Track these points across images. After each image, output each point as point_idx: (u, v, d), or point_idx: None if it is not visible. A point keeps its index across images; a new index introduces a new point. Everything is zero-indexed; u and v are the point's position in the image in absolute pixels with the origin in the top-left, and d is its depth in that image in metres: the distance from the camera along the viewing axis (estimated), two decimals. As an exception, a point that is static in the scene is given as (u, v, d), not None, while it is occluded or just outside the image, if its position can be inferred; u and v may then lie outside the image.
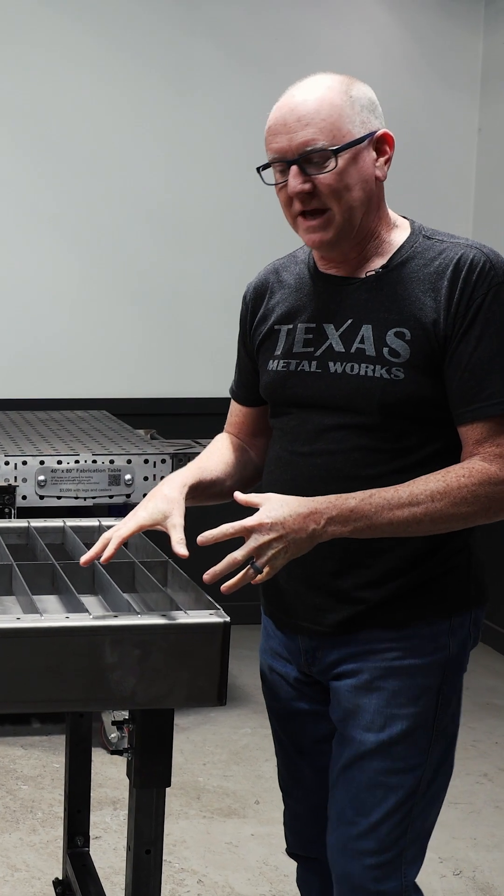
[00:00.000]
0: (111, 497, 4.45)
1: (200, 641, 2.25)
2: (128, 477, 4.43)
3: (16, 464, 4.37)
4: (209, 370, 5.84)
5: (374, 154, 2.26)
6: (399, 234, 2.32)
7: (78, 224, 5.85)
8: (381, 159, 2.28)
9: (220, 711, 4.89)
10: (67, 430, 5.05)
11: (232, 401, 2.66)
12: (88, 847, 3.33)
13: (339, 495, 2.18)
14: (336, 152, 2.20)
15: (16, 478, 4.37)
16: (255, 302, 2.51)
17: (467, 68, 6.18)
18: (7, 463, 4.37)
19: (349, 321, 2.31)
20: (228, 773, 4.49)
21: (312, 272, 2.40)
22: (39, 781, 4.36)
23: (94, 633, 2.19)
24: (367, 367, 2.25)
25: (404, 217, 2.38)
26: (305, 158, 2.21)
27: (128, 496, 4.42)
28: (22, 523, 2.99)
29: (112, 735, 4.44)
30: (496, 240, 6.05)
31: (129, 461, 4.45)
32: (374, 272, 2.29)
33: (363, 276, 2.31)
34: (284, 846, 3.90)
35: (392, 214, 2.35)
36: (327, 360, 2.31)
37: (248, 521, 2.20)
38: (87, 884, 3.19)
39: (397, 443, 2.25)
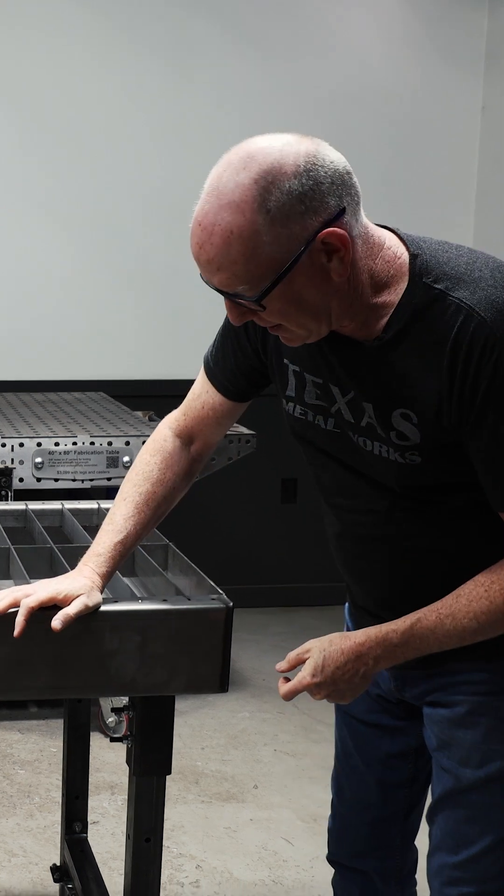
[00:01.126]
0: (109, 479, 4.41)
1: (202, 627, 2.21)
2: (126, 459, 4.38)
3: (12, 445, 4.32)
4: (206, 351, 5.78)
5: (322, 259, 1.87)
6: (396, 289, 1.96)
7: (74, 205, 5.80)
8: (336, 260, 1.88)
9: (219, 695, 4.87)
10: (65, 411, 5.01)
11: (204, 380, 2.35)
12: (86, 833, 3.31)
13: (380, 630, 2.10)
14: (259, 299, 1.88)
15: (12, 460, 4.32)
16: None
17: (471, 46, 6.12)
18: (3, 445, 4.33)
19: (351, 393, 2.05)
20: (227, 758, 4.47)
21: None
22: (37, 766, 4.33)
23: (94, 619, 2.14)
24: (380, 446, 2.03)
25: (407, 244, 1.99)
26: (233, 294, 1.91)
27: (126, 478, 4.38)
28: (19, 506, 2.95)
29: (109, 720, 4.41)
30: (498, 220, 6.04)
31: (127, 443, 4.41)
32: (372, 343, 1.99)
33: (364, 343, 2.00)
34: (283, 830, 3.93)
35: (390, 260, 1.97)
36: (342, 425, 2.10)
37: (298, 685, 2.20)
38: (84, 870, 3.16)
39: (429, 505, 2.11)
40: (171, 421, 2.38)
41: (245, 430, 4.47)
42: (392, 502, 2.10)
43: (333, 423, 2.11)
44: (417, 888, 2.55)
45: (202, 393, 2.34)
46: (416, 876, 2.52)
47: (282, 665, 2.22)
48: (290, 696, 2.22)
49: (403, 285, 1.95)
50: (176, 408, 2.41)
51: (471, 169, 6.16)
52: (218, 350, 2.33)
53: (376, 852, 2.49)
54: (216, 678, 2.23)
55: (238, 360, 2.27)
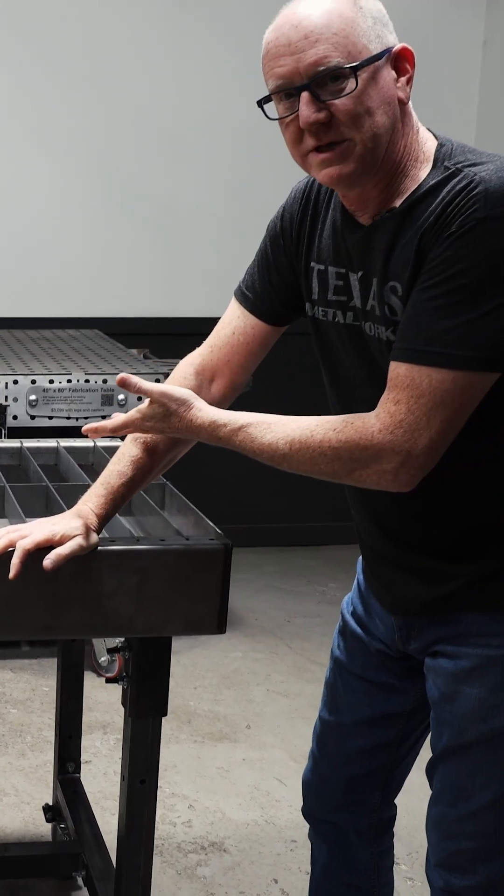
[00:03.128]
0: (104, 417, 4.36)
1: (200, 567, 2.18)
2: (121, 397, 4.34)
3: (6, 383, 4.27)
4: (203, 289, 5.74)
5: (393, 73, 1.95)
6: (418, 173, 1.99)
7: (65, 136, 5.70)
8: (403, 79, 1.96)
9: (212, 635, 4.85)
10: (59, 348, 4.95)
11: (235, 308, 2.31)
12: (79, 773, 3.30)
13: (219, 414, 2.07)
14: (355, 70, 1.89)
15: (6, 397, 4.28)
16: (302, 213, 2.22)
17: (473, -22, 6.00)
18: (-3, 381, 4.28)
19: (360, 272, 2.05)
20: (219, 698, 4.45)
21: (342, 212, 2.11)
22: (29, 705, 4.32)
23: (91, 559, 2.11)
24: (378, 328, 2.03)
25: (437, 137, 2.04)
26: (318, 82, 1.90)
27: (121, 417, 4.33)
28: (14, 443, 2.91)
29: (102, 659, 4.40)
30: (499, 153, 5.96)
31: (122, 381, 4.36)
32: (380, 216, 2.00)
33: (373, 220, 2.02)
34: (276, 770, 3.92)
35: (422, 141, 2.02)
36: (358, 315, 2.09)
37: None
38: (77, 810, 3.16)
39: None
40: (194, 357, 2.33)
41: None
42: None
43: (352, 317, 2.09)
44: (420, 839, 2.53)
45: (233, 319, 2.30)
46: (420, 828, 2.50)
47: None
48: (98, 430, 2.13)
49: (427, 169, 1.98)
50: (171, 346, 2.38)
51: (471, 104, 6.06)
52: (251, 276, 2.30)
53: (353, 807, 2.46)
54: (214, 619, 2.21)
55: (273, 278, 2.26)
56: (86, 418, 4.33)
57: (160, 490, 2.61)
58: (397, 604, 2.24)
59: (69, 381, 4.32)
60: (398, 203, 1.98)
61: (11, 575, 2.04)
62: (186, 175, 5.77)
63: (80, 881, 3.11)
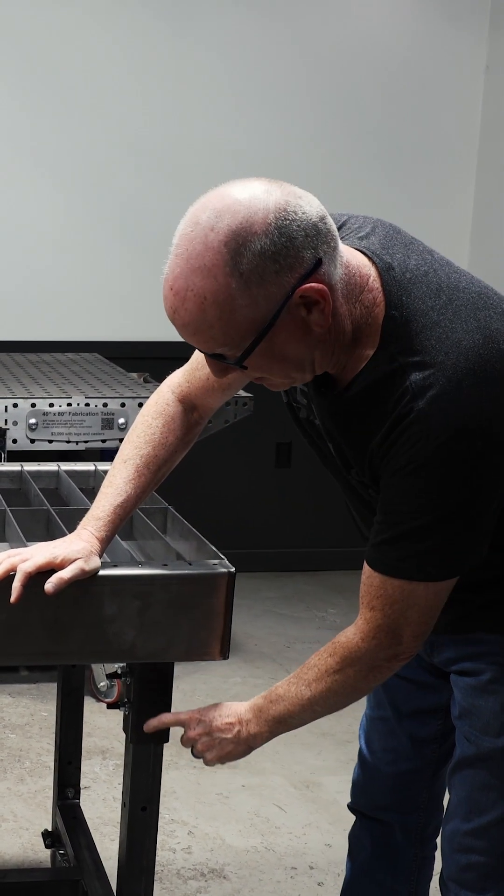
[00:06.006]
0: (104, 441, 4.35)
1: (203, 592, 2.16)
2: (121, 421, 4.33)
3: (6, 406, 4.26)
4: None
5: (302, 313, 1.81)
6: (369, 344, 1.90)
7: (65, 161, 5.70)
8: (316, 312, 1.82)
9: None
10: (59, 372, 4.95)
11: None
12: (79, 799, 3.27)
13: (255, 699, 2.21)
14: (241, 361, 1.84)
15: (6, 421, 4.26)
16: None
17: (475, 2, 5.99)
18: (-3, 405, 4.27)
19: (322, 426, 2.07)
20: (219, 724, 4.42)
21: None
22: (27, 730, 4.29)
23: (93, 583, 2.09)
24: (358, 476, 2.05)
25: (386, 295, 1.89)
26: (213, 356, 1.88)
27: (121, 440, 4.30)
28: (15, 467, 2.90)
29: (101, 684, 4.38)
30: (501, 181, 5.96)
31: (122, 404, 4.35)
32: (332, 396, 1.98)
33: (330, 391, 1.99)
34: (275, 797, 3.90)
35: (362, 308, 1.89)
36: (329, 448, 2.10)
37: (176, 716, 2.25)
38: (77, 836, 3.13)
39: None
40: (174, 385, 2.31)
41: (243, 393, 4.41)
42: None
43: (330, 447, 2.11)
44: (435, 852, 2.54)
45: (206, 363, 2.28)
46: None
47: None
48: (157, 726, 2.26)
49: (376, 341, 1.90)
50: (171, 370, 2.35)
51: (473, 131, 6.08)
52: None
53: (400, 806, 2.47)
54: (217, 645, 2.19)
55: None
56: (86, 442, 4.32)
57: (162, 514, 2.59)
58: None
59: (69, 404, 4.31)
60: (349, 378, 1.94)
61: (12, 599, 2.03)
62: (187, 200, 5.69)
63: (78, 908, 3.09)
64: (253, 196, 1.78)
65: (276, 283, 1.77)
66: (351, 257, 1.89)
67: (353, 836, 2.61)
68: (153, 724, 2.24)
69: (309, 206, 1.80)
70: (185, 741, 2.24)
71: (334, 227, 1.83)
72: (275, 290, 1.78)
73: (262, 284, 1.77)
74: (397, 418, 1.86)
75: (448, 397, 1.82)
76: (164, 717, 2.24)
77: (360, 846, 2.59)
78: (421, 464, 1.85)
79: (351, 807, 2.60)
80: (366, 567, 2.01)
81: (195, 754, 2.25)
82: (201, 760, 2.27)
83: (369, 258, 1.92)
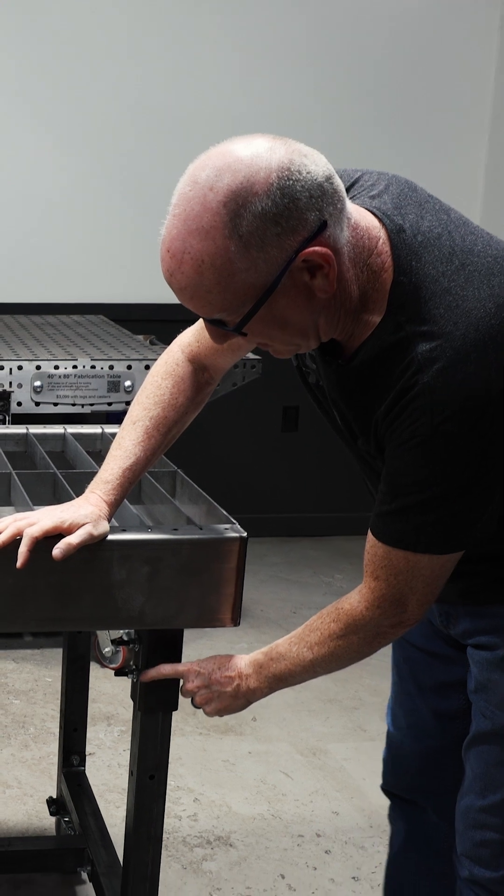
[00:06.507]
0: (110, 404, 4.30)
1: (215, 557, 2.12)
2: (128, 383, 4.27)
3: (11, 368, 4.21)
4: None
5: (305, 278, 1.75)
6: (375, 311, 1.84)
7: (68, 120, 5.63)
8: (320, 277, 1.75)
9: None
10: (64, 334, 4.89)
11: None
12: (84, 766, 3.24)
13: (255, 653, 2.19)
14: (240, 328, 1.78)
15: (11, 383, 4.21)
16: None
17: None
18: (1, 368, 4.21)
19: (329, 394, 2.01)
20: (225, 690, 4.39)
21: None
22: (31, 696, 4.26)
23: (101, 548, 2.05)
24: (364, 445, 2.00)
25: (395, 261, 1.82)
26: (211, 321, 1.82)
27: (127, 403, 4.27)
28: (20, 429, 2.85)
29: (106, 650, 4.34)
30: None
31: (129, 367, 4.29)
32: (337, 365, 1.93)
33: (338, 359, 1.94)
34: (282, 764, 3.87)
35: (369, 273, 1.82)
36: (336, 417, 2.05)
37: (174, 668, 2.24)
38: (83, 804, 3.11)
39: None
40: (184, 345, 2.26)
41: (251, 356, 4.35)
42: None
43: (335, 414, 2.06)
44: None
45: None
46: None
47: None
48: (155, 677, 2.23)
49: (383, 308, 1.83)
50: (177, 333, 2.29)
51: (486, 91, 5.98)
52: None
53: (430, 786, 2.43)
54: (228, 611, 2.16)
55: None
56: (91, 405, 4.27)
57: (171, 477, 2.54)
58: None
59: (75, 367, 4.25)
60: (355, 346, 1.88)
61: (19, 564, 1.98)
62: (191, 159, 5.69)
63: (84, 876, 3.06)
64: (255, 154, 1.71)
65: (277, 246, 1.70)
66: (360, 218, 1.82)
67: (389, 818, 2.58)
68: (151, 674, 2.21)
69: (315, 165, 1.72)
70: (184, 692, 2.23)
71: (342, 188, 1.76)
72: (276, 253, 1.70)
73: (263, 248, 1.70)
74: (401, 391, 1.80)
75: (454, 371, 1.76)
76: (163, 669, 2.21)
77: (396, 828, 2.56)
78: (425, 438, 1.79)
79: (383, 788, 2.56)
80: (370, 535, 1.97)
81: (195, 705, 2.24)
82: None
83: (379, 219, 1.85)
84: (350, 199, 1.84)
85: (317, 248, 1.71)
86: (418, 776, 2.44)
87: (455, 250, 1.84)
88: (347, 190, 1.87)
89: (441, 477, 1.82)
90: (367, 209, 1.86)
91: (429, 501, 1.85)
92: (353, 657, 2.08)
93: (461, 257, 1.84)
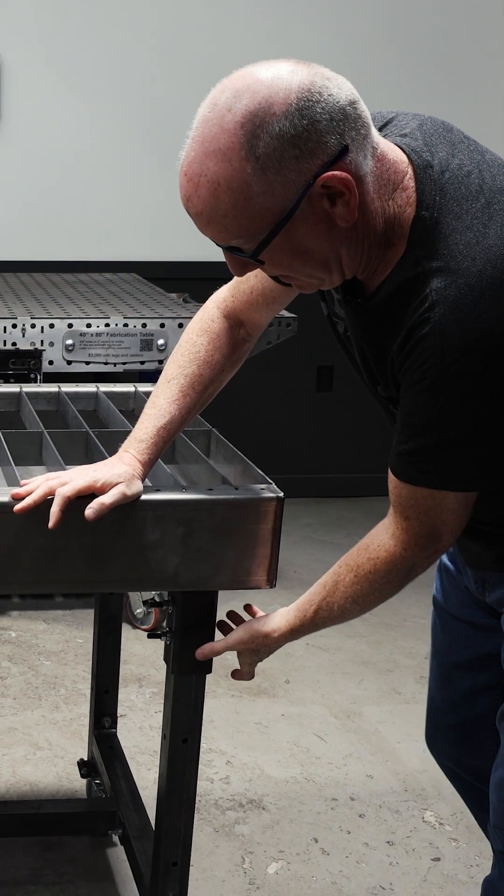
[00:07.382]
0: (143, 363, 4.25)
1: (250, 518, 2.08)
2: (161, 342, 4.22)
3: (42, 327, 4.16)
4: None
5: (325, 204, 1.69)
6: (398, 247, 1.78)
7: (101, 77, 5.57)
8: (340, 205, 1.69)
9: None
10: (96, 292, 4.84)
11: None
12: (115, 729, 3.21)
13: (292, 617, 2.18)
14: (256, 254, 1.73)
15: (42, 342, 4.17)
16: None
17: None
18: (33, 326, 4.17)
19: (352, 338, 1.97)
20: (258, 652, 4.36)
21: None
22: (62, 657, 4.23)
23: (135, 508, 2.00)
24: (384, 391, 1.96)
25: (419, 194, 1.76)
26: (228, 248, 1.76)
27: (160, 362, 4.22)
28: (52, 388, 2.81)
29: (138, 611, 4.31)
30: None
31: (162, 325, 4.24)
32: (356, 304, 1.88)
33: (358, 298, 1.88)
34: (315, 727, 3.84)
35: (396, 207, 1.76)
36: (358, 362, 2.01)
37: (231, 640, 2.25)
38: (114, 766, 3.08)
39: None
40: (220, 301, 2.21)
41: (286, 314, 4.29)
42: None
43: (357, 355, 2.00)
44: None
45: (251, 276, 2.14)
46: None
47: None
48: (208, 654, 2.25)
49: (404, 244, 1.77)
50: (212, 291, 2.23)
51: (500, 53, 5.88)
52: None
53: (470, 758, 2.38)
54: (264, 573, 2.12)
55: None
56: (124, 363, 4.22)
57: (205, 437, 2.50)
58: (470, 558, 2.18)
59: (107, 325, 4.20)
60: (377, 284, 1.82)
61: (51, 524, 1.94)
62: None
63: (115, 839, 3.03)
64: (276, 76, 1.67)
65: (295, 169, 1.65)
66: (388, 151, 1.77)
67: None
68: (205, 651, 2.21)
69: (338, 88, 1.67)
70: (239, 677, 2.32)
71: (367, 115, 1.71)
72: (294, 177, 1.65)
73: (280, 170, 1.65)
74: (412, 328, 1.74)
75: (467, 309, 1.69)
76: (215, 646, 2.21)
77: (459, 788, 2.53)
78: (436, 379, 1.73)
79: (433, 756, 2.53)
80: (391, 475, 1.93)
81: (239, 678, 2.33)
82: (239, 686, 2.25)
83: (407, 155, 1.79)
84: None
85: (336, 173, 1.66)
86: (454, 748, 2.41)
87: (483, 188, 1.77)
88: (380, 129, 1.82)
89: (454, 418, 1.76)
90: (396, 145, 1.80)
91: (445, 442, 1.80)
92: (388, 595, 2.05)
93: (488, 195, 1.77)
